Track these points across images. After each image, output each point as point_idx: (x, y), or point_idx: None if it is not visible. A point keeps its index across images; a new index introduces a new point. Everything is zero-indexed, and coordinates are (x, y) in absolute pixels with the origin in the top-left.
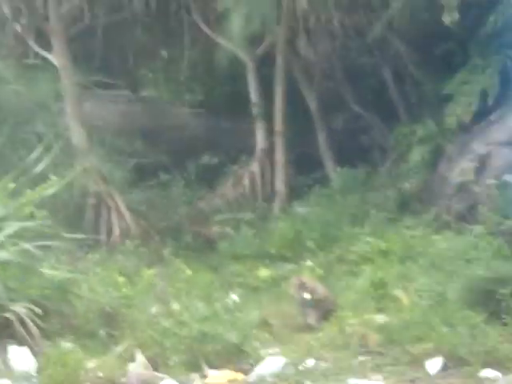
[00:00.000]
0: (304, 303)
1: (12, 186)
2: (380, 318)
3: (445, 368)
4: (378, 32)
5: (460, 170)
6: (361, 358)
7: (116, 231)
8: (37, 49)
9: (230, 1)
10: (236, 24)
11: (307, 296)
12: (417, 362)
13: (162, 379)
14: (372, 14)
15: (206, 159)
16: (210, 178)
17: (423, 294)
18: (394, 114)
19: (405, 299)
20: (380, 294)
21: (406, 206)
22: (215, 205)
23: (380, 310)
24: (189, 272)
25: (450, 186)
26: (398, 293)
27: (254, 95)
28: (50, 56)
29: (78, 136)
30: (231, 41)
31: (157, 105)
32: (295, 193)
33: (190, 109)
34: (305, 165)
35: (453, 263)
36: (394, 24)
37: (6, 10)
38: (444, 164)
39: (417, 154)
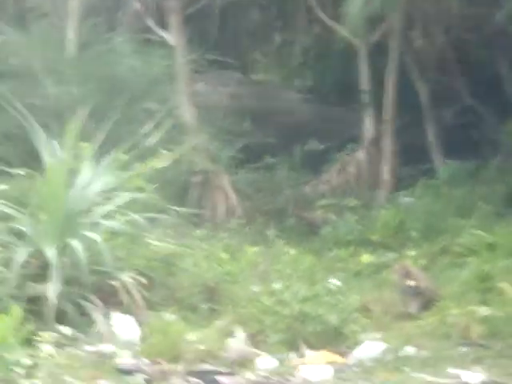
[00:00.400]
0: (406, 291)
1: (124, 158)
2: (484, 311)
3: None
4: (499, 23)
5: None
6: (462, 349)
7: (221, 210)
8: (154, 26)
9: None
10: (355, 4)
11: (411, 283)
12: None
13: (260, 356)
14: (493, 5)
15: (313, 145)
16: (315, 163)
17: None
18: (509, 108)
19: (510, 293)
20: (485, 287)
21: None
22: (319, 190)
23: (484, 303)
24: (292, 253)
25: None
26: (504, 286)
27: (364, 83)
28: (166, 34)
29: (188, 114)
30: (346, 26)
31: (266, 88)
32: (401, 183)
33: (300, 94)
34: (412, 156)
35: None
36: None
37: None
38: None
39: None
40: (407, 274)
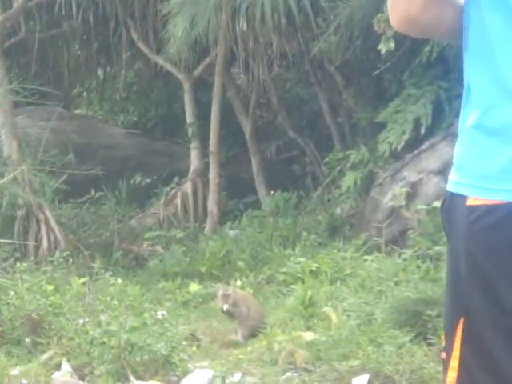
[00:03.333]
0: (229, 316)
1: None
2: (308, 336)
3: None
4: (316, 58)
5: (392, 194)
6: (288, 374)
7: (45, 243)
8: None
9: (174, 5)
10: (178, 28)
11: (224, 307)
12: (343, 379)
13: None
14: (309, 42)
15: (138, 179)
16: (141, 198)
17: (352, 313)
18: (329, 141)
19: (334, 318)
20: (309, 313)
21: (337, 230)
22: (146, 223)
23: (309, 328)
24: (118, 285)
25: (382, 211)
26: (327, 311)
27: (189, 116)
28: None
29: (9, 146)
30: (169, 56)
31: (89, 122)
32: (227, 215)
33: (124, 129)
34: (238, 189)
35: (382, 284)
36: (330, 52)
37: None
38: (376, 189)
39: (349, 180)
40: (225, 298)
